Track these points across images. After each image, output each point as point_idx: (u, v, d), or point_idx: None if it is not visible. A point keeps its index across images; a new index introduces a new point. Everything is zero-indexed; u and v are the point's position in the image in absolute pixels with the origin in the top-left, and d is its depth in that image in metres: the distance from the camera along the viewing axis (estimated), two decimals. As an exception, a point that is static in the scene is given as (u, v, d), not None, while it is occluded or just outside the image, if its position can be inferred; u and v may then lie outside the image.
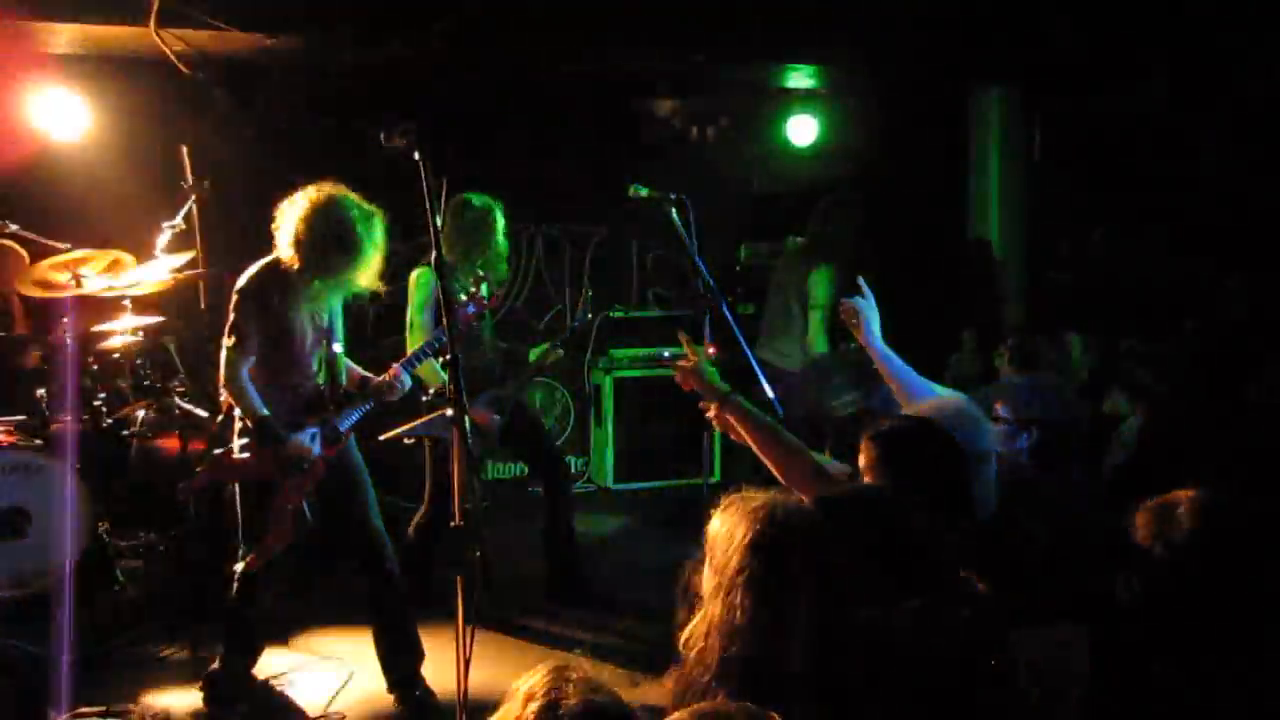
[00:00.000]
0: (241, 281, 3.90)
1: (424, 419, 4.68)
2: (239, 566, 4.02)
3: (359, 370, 4.23)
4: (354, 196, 3.86)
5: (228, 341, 3.86)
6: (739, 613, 2.00)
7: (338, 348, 4.10)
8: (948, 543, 2.20)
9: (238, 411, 3.92)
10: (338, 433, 3.99)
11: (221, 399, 4.03)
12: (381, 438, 4.31)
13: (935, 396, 3.17)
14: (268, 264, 3.88)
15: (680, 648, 2.12)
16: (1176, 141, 7.18)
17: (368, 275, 3.90)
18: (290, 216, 3.79)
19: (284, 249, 3.80)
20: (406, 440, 4.73)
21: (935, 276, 7.49)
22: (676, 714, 1.52)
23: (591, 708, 1.52)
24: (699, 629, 2.08)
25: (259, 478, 3.93)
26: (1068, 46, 6.54)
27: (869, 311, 3.51)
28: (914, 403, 3.18)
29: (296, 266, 3.79)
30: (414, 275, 4.96)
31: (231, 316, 3.88)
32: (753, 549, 2.03)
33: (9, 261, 5.45)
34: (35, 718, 3.82)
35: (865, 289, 3.55)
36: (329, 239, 3.75)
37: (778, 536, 2.03)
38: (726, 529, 2.09)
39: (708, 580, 2.09)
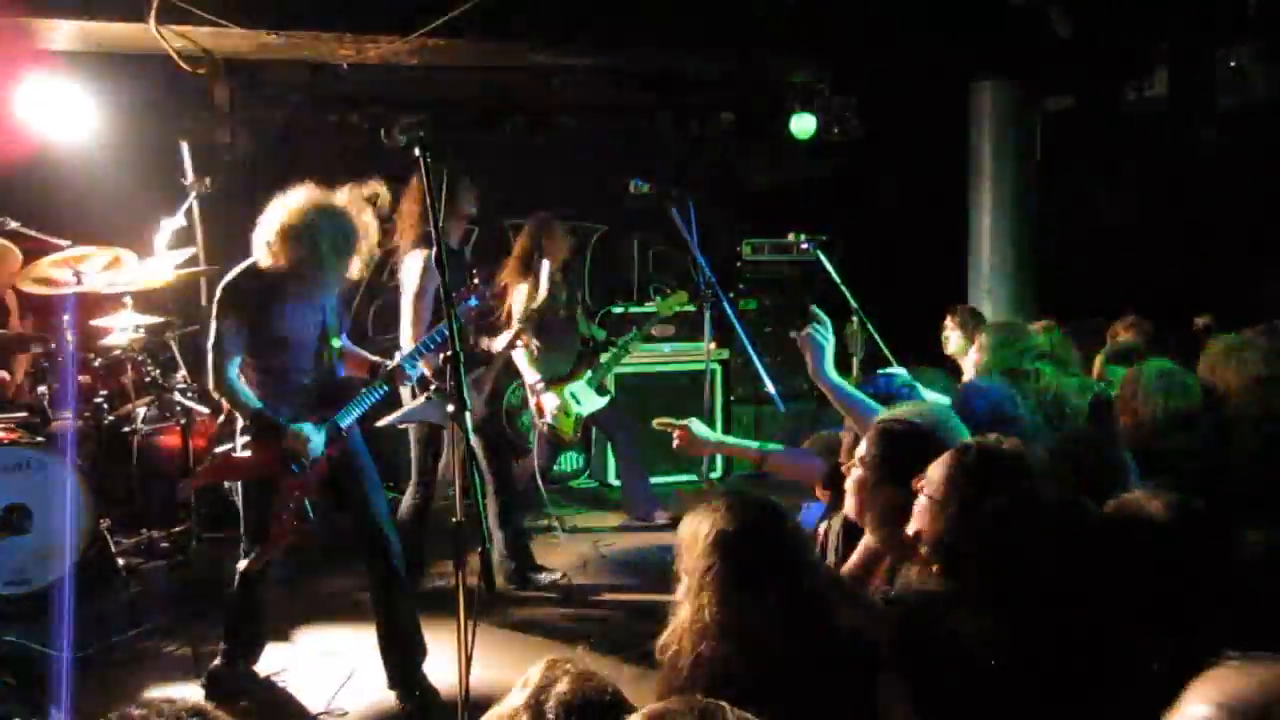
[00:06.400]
0: (224, 282, 3.90)
1: (416, 404, 4.71)
2: (241, 564, 4.01)
3: (367, 356, 4.21)
4: (326, 199, 3.80)
5: (209, 343, 3.85)
6: (707, 613, 2.00)
7: (337, 343, 4.09)
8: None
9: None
10: (338, 429, 3.98)
11: (221, 400, 4.02)
12: (379, 424, 4.33)
13: (911, 403, 3.19)
14: (246, 266, 3.87)
15: (657, 654, 2.11)
16: (1178, 138, 7.18)
17: (350, 268, 3.90)
18: (266, 223, 3.76)
19: (261, 254, 3.77)
20: (400, 426, 4.77)
21: (935, 271, 7.48)
22: (633, 715, 1.52)
23: (583, 696, 1.53)
24: (673, 633, 2.07)
25: (260, 476, 3.93)
26: (1069, 41, 6.52)
27: (820, 344, 3.54)
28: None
29: (277, 270, 3.77)
30: (408, 262, 4.98)
31: (215, 319, 3.87)
32: (717, 547, 2.02)
33: (5, 260, 5.45)
34: (37, 715, 3.81)
35: (821, 316, 3.59)
36: (303, 245, 3.71)
37: (741, 533, 2.03)
38: (692, 529, 2.09)
39: (679, 583, 2.09)
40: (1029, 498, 2.19)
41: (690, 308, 6.37)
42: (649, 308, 7.07)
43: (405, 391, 4.77)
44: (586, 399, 6.17)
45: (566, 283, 6.16)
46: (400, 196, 4.89)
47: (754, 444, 3.66)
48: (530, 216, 5.96)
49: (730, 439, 3.86)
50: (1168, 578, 2.09)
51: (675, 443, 3.58)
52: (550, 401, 5.90)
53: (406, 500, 5.14)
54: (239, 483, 4.06)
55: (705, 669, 1.99)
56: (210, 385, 3.90)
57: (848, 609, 2.14)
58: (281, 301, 3.86)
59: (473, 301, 4.36)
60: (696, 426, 3.57)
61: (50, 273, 5.05)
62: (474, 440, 4.22)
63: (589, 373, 6.21)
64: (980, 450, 2.34)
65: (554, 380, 5.99)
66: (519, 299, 5.65)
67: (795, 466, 3.55)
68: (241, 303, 3.84)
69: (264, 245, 3.75)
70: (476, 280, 4.40)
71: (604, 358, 6.28)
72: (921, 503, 2.38)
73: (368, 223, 3.91)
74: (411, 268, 4.96)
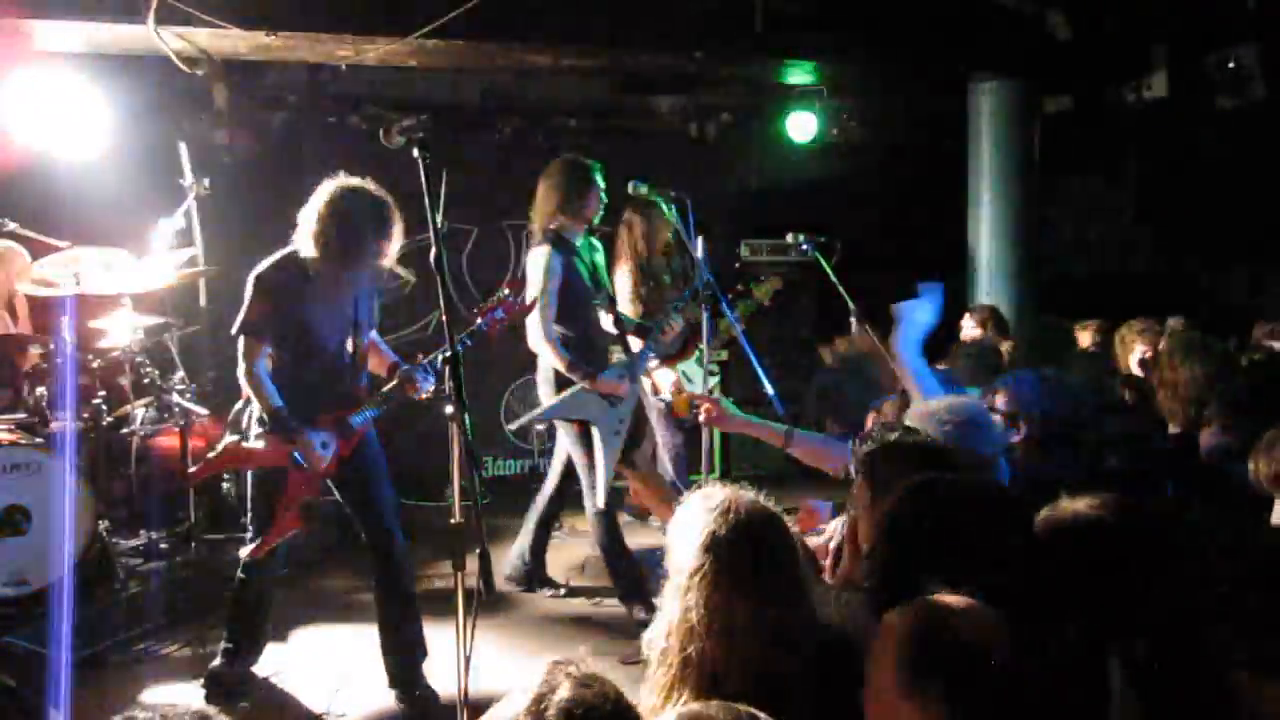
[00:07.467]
0: (255, 271, 3.90)
1: (562, 399, 4.81)
2: (244, 551, 4.00)
3: (389, 356, 4.21)
4: (368, 187, 3.86)
5: (242, 331, 3.86)
6: (694, 613, 1.97)
7: (363, 339, 4.10)
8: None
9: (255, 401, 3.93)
10: (350, 428, 3.97)
11: (241, 387, 4.02)
12: (519, 422, 4.32)
13: (942, 399, 3.18)
14: (284, 255, 3.89)
15: (644, 649, 2.09)
16: (1176, 137, 7.18)
17: (386, 260, 3.94)
18: (308, 211, 3.80)
19: (303, 243, 3.80)
20: (539, 425, 4.79)
21: (934, 273, 7.46)
22: (663, 715, 1.50)
23: (585, 702, 1.51)
24: (660, 630, 2.05)
25: (270, 466, 3.93)
26: (1069, 42, 6.53)
27: (910, 319, 3.54)
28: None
29: (316, 259, 3.79)
30: (532, 256, 4.99)
31: (244, 306, 3.88)
32: (706, 549, 2.00)
33: (12, 261, 5.45)
34: (36, 717, 3.81)
35: (924, 295, 3.59)
36: (344, 232, 3.75)
37: (734, 535, 2.00)
38: (684, 527, 2.06)
39: (669, 579, 2.07)
40: (953, 482, 2.19)
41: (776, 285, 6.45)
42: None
43: (544, 388, 4.92)
44: (696, 378, 6.19)
45: (669, 265, 6.18)
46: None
47: (781, 426, 3.57)
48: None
49: (756, 419, 3.75)
50: (1105, 574, 2.09)
51: (702, 417, 3.63)
52: (666, 377, 5.93)
53: (544, 497, 5.28)
54: (248, 473, 4.06)
55: (694, 668, 1.97)
56: (240, 372, 3.91)
57: (838, 610, 2.12)
58: (310, 299, 3.88)
59: (499, 314, 4.35)
60: (724, 401, 3.67)
61: (49, 274, 5.04)
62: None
63: (696, 352, 6.23)
64: (893, 444, 2.36)
65: (665, 359, 6.01)
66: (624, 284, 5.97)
67: (822, 453, 3.50)
68: (270, 292, 3.86)
69: (307, 234, 3.77)
70: (508, 292, 4.37)
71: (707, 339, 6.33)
72: (859, 516, 2.40)
73: (395, 220, 3.90)
74: (533, 264, 4.95)
